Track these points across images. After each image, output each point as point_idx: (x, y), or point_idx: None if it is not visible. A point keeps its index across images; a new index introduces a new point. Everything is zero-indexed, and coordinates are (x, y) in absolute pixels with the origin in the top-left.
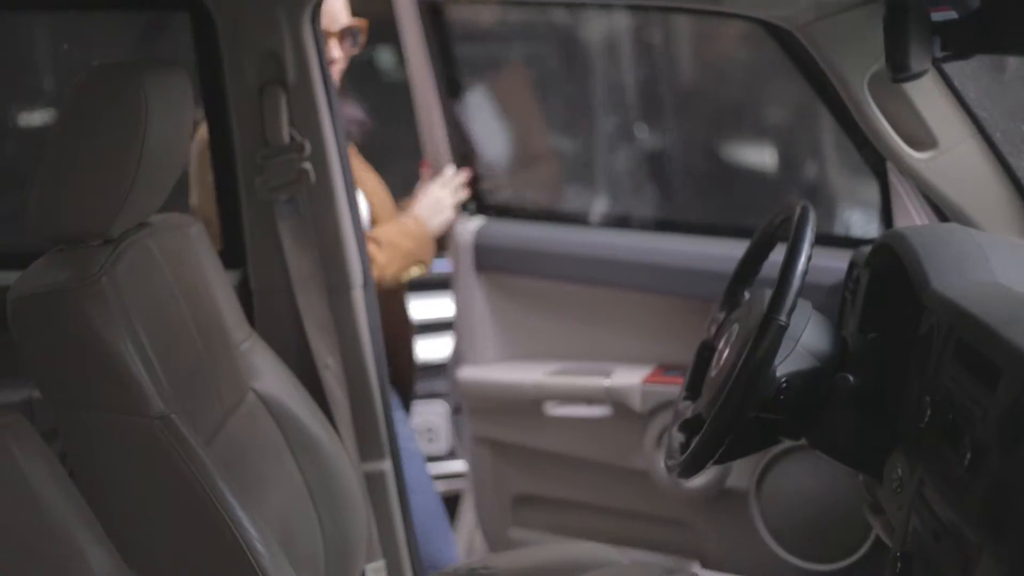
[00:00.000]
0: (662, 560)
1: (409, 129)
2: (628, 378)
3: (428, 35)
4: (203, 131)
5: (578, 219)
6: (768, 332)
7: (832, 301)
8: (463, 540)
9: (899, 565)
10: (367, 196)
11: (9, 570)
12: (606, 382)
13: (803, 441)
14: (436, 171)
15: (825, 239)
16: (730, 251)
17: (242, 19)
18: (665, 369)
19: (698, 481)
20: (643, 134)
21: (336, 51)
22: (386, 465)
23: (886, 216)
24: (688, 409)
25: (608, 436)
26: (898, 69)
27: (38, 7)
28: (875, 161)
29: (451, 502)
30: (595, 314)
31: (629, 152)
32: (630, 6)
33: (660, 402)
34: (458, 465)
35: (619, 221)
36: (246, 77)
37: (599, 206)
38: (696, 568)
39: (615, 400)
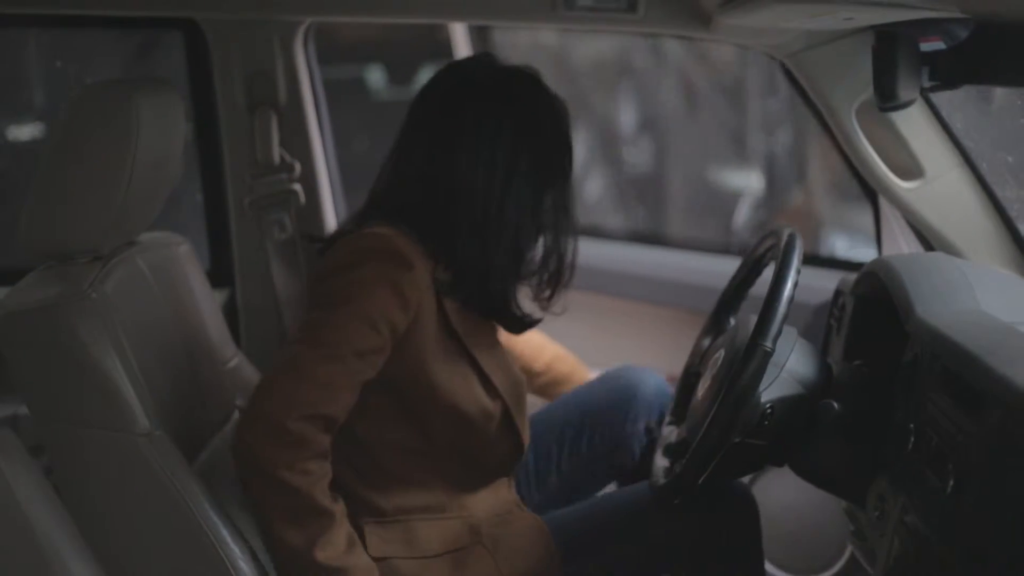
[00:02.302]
0: None
1: None
2: None
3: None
4: None
5: (594, 232)
6: (753, 358)
7: (818, 321)
8: None
9: None
10: None
11: None
12: None
13: (786, 467)
14: None
15: (813, 260)
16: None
17: (235, 39)
18: (672, 380)
19: None
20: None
21: None
22: None
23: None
24: (673, 434)
25: None
26: (886, 98)
27: (31, 24)
28: (869, 187)
29: None
30: (612, 324)
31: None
32: (618, 32)
33: None
34: None
35: (635, 235)
36: (237, 97)
37: (616, 219)
38: None
39: None
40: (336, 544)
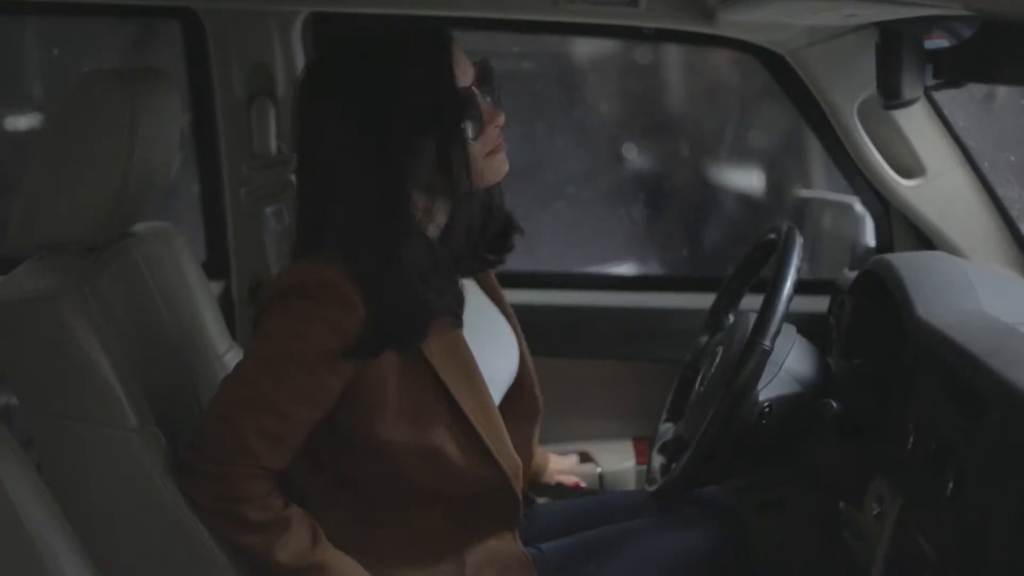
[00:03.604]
0: None
1: None
2: (618, 461)
3: None
4: None
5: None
6: (752, 356)
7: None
8: None
9: None
10: None
11: None
12: (597, 469)
13: (784, 468)
14: None
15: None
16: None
17: (233, 30)
18: (642, 446)
19: None
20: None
21: None
22: None
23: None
24: (669, 431)
25: None
26: (890, 96)
27: (26, 12)
28: (863, 188)
29: None
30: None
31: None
32: (619, 24)
33: None
34: None
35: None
36: (235, 88)
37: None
38: None
39: (609, 486)
40: (295, 544)
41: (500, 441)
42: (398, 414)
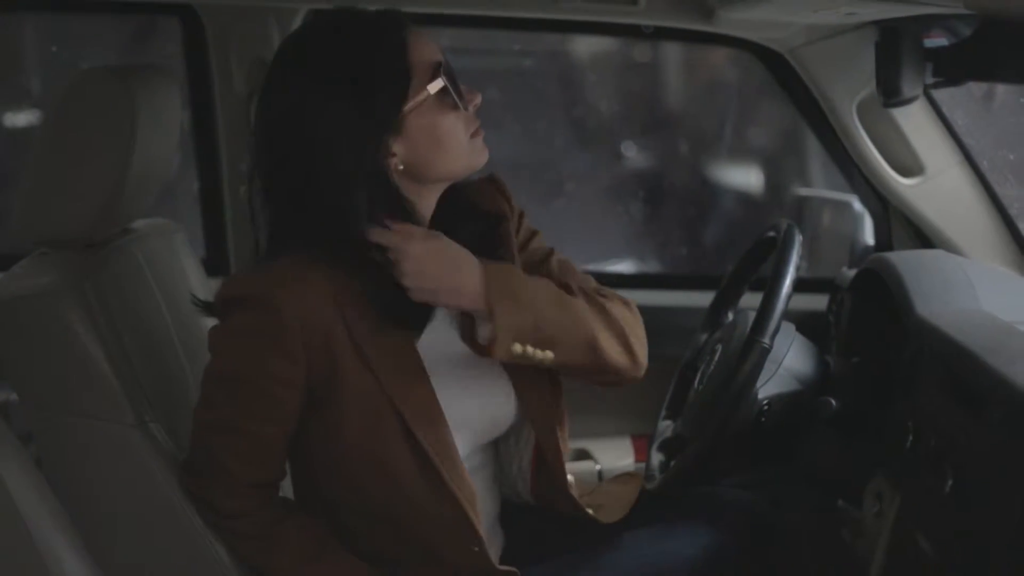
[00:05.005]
0: None
1: None
2: (617, 459)
3: None
4: None
5: None
6: (751, 354)
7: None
8: None
9: None
10: None
11: None
12: (596, 467)
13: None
14: None
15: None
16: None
17: (232, 27)
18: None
19: None
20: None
21: None
22: None
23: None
24: (668, 429)
25: None
26: (889, 94)
27: (26, 8)
28: (862, 186)
29: None
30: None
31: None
32: (618, 23)
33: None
34: None
35: None
36: (235, 85)
37: None
38: None
39: None
40: (291, 555)
41: (451, 464)
42: (350, 425)
